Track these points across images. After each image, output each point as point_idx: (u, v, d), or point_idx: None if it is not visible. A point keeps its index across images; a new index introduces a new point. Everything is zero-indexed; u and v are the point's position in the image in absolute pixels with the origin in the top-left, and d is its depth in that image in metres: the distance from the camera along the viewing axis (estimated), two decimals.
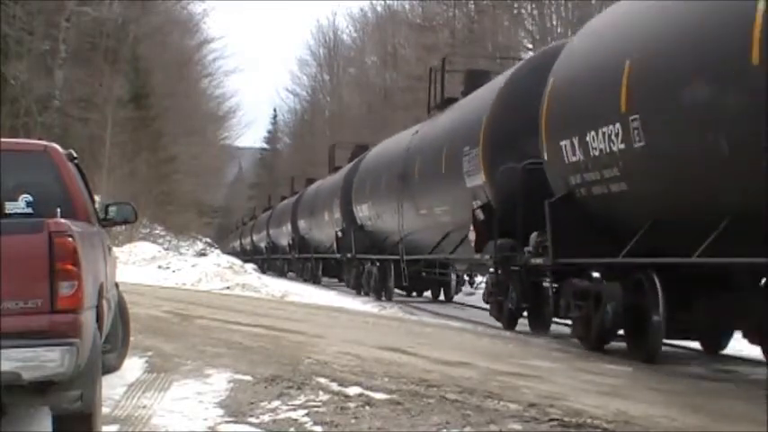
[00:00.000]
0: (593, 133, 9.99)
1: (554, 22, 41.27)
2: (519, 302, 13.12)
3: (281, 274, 39.53)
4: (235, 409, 6.53)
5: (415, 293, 22.66)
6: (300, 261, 35.56)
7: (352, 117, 60.19)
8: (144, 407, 6.59)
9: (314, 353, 9.26)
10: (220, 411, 6.46)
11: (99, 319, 5.75)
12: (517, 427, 5.98)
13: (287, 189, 47.29)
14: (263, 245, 48.58)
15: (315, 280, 31.76)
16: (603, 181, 10.07)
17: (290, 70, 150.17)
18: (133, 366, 8.32)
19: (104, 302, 6.23)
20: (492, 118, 14.22)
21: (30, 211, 6.09)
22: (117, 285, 8.13)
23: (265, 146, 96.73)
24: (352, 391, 7.06)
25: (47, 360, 4.82)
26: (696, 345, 10.96)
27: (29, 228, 5.04)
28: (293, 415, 6.31)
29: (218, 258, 28.24)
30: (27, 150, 6.62)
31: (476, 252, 14.21)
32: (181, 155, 49.87)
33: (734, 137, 7.64)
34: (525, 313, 13.29)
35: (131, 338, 8.70)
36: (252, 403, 6.70)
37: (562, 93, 11.23)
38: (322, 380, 7.56)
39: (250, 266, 31.05)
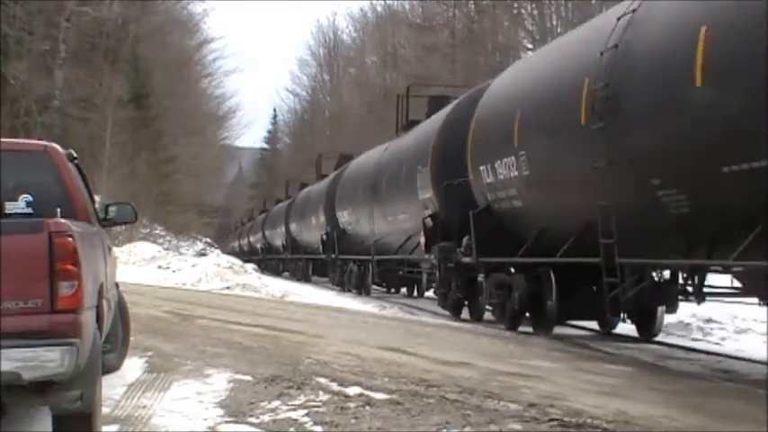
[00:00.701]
0: (498, 162, 13.19)
1: (554, 22, 41.29)
2: (459, 293, 15.80)
3: (276, 273, 40.62)
4: (235, 409, 6.53)
5: (393, 290, 25.76)
6: (293, 261, 38.40)
7: (352, 117, 60.21)
8: (144, 407, 6.59)
9: (314, 353, 9.26)
10: (220, 411, 6.46)
11: (99, 319, 5.75)
12: (517, 427, 5.98)
13: (291, 188, 47.37)
14: (259, 245, 50.18)
15: (305, 278, 34.17)
16: (507, 198, 13.24)
17: (290, 70, 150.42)
18: (133, 366, 8.32)
19: (104, 302, 6.23)
20: (438, 142, 17.22)
21: (30, 211, 6.09)
22: (117, 285, 8.13)
23: (265, 146, 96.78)
24: (352, 391, 7.06)
25: (47, 360, 4.82)
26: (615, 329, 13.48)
27: (29, 228, 5.03)
28: (293, 415, 6.31)
29: (218, 258, 28.25)
30: (27, 150, 6.62)
31: (426, 253, 17.02)
32: (181, 155, 49.87)
33: (580, 168, 10.61)
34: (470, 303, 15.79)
35: (131, 338, 8.70)
36: (252, 403, 6.70)
37: (481, 127, 14.38)
38: (322, 380, 7.56)
39: (250, 266, 31.05)
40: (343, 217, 26.96)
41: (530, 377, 8.14)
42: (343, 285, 26.74)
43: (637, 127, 9.34)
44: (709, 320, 13.64)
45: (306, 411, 6.40)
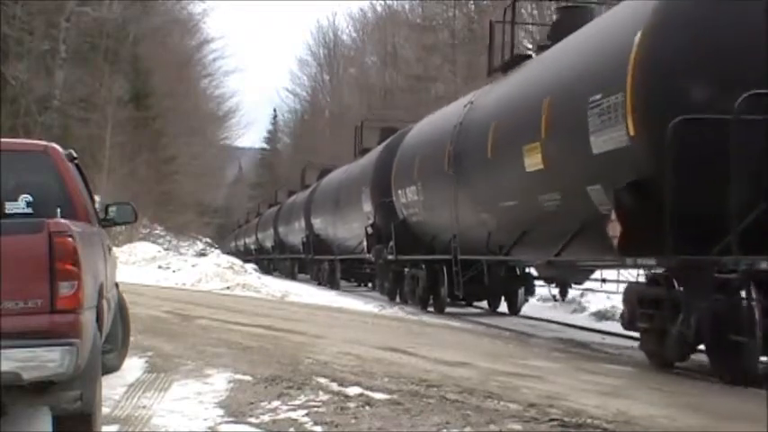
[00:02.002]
0: (408, 188, 19.16)
1: None
2: (389, 283, 21.39)
3: (267, 271, 39.19)
4: (235, 409, 6.53)
5: (362, 284, 29.23)
6: (281, 260, 41.01)
7: (352, 117, 60.16)
8: (144, 407, 6.59)
9: (314, 353, 9.26)
10: (220, 411, 6.46)
11: (99, 319, 5.75)
12: (517, 427, 5.98)
13: (290, 186, 47.12)
14: (253, 246, 49.90)
15: (292, 276, 34.40)
16: (415, 214, 19.07)
17: (290, 70, 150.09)
18: (133, 366, 8.32)
19: (104, 302, 6.23)
20: (374, 169, 22.94)
21: (30, 211, 6.08)
22: (117, 285, 8.13)
23: (265, 146, 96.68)
24: (352, 391, 7.06)
25: (47, 360, 4.81)
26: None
27: (29, 228, 5.03)
28: (293, 415, 6.31)
29: (218, 258, 28.26)
30: (27, 150, 6.61)
31: (367, 253, 22.50)
32: (181, 155, 49.87)
33: (446, 197, 16.43)
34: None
35: (131, 338, 8.70)
36: (252, 403, 6.70)
37: (400, 160, 20.17)
38: (322, 380, 7.57)
39: (250, 266, 31.09)
40: (317, 223, 31.41)
41: (530, 377, 8.14)
42: (318, 281, 30.79)
43: (470, 174, 15.04)
44: None
45: (306, 411, 6.40)
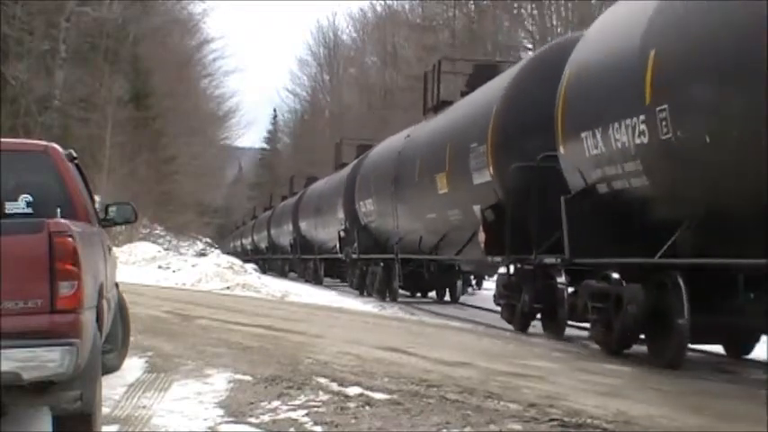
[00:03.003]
0: (366, 200, 23.34)
1: (554, 22, 41.30)
2: (359, 279, 24.02)
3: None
4: (235, 409, 6.53)
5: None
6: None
7: (352, 117, 60.19)
8: (144, 407, 6.59)
9: (314, 353, 9.26)
10: (220, 411, 6.46)
11: (99, 319, 5.74)
12: (517, 427, 5.98)
13: (287, 189, 47.35)
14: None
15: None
16: (372, 221, 22.45)
17: (290, 70, 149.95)
18: (133, 366, 8.32)
19: (104, 302, 6.22)
20: (345, 183, 26.31)
21: (30, 211, 6.08)
22: (117, 285, 8.13)
23: (265, 146, 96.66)
24: (352, 391, 7.06)
25: (47, 360, 4.81)
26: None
27: (29, 228, 5.02)
28: (293, 415, 6.31)
29: (218, 258, 28.26)
30: (27, 150, 6.61)
31: (340, 252, 25.63)
32: (181, 155, 49.88)
33: (391, 209, 21.20)
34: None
35: (131, 338, 8.69)
36: (252, 403, 6.70)
37: (362, 176, 24.05)
38: (322, 380, 7.56)
39: (250, 266, 31.08)
40: (303, 227, 32.50)
41: (530, 377, 8.14)
42: (305, 278, 29.50)
43: (406, 192, 19.92)
44: None
45: (306, 411, 6.40)
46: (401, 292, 21.25)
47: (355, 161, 27.24)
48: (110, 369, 7.57)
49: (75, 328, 4.94)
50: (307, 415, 6.29)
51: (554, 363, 9.44)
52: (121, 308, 8.29)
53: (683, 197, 8.77)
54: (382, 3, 61.95)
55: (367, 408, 6.48)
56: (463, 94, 17.65)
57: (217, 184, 75.22)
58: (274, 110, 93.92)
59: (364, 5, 75.82)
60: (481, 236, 14.03)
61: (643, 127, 8.81)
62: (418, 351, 9.63)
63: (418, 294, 22.19)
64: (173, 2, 51.10)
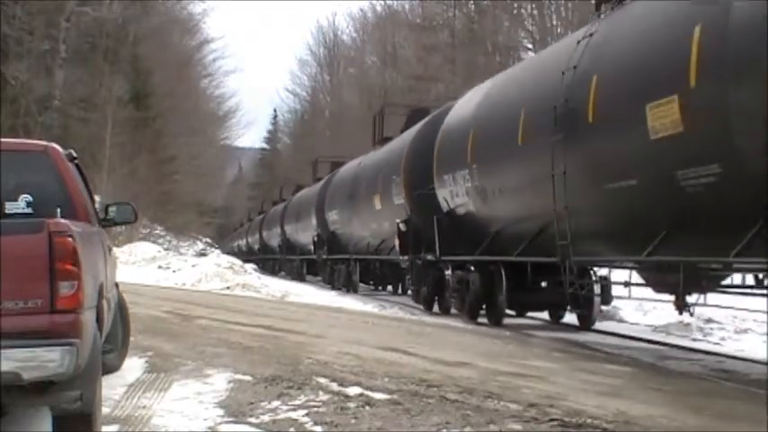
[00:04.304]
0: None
1: (554, 22, 41.30)
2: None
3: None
4: (235, 409, 6.53)
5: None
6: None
7: (352, 117, 60.16)
8: (144, 407, 6.59)
9: (314, 353, 9.26)
10: (220, 411, 6.46)
11: (99, 319, 5.74)
12: (517, 427, 5.98)
13: (285, 191, 47.51)
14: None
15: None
16: (340, 227, 26.59)
17: (290, 70, 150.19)
18: (133, 366, 8.32)
19: (104, 302, 6.22)
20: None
21: (30, 211, 6.08)
22: (117, 285, 8.12)
23: (265, 146, 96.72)
24: (352, 391, 7.06)
25: (47, 360, 4.81)
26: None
27: (29, 228, 5.02)
28: (293, 415, 6.31)
29: (218, 258, 28.27)
30: (27, 150, 6.60)
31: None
32: (181, 155, 49.89)
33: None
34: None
35: (131, 338, 8.69)
36: (252, 403, 6.70)
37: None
38: (322, 380, 7.56)
39: (250, 266, 31.09)
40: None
41: (530, 377, 8.14)
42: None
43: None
44: (709, 320, 13.64)
45: (306, 411, 6.40)
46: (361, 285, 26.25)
47: (326, 177, 31.84)
48: (110, 369, 7.57)
49: (75, 328, 4.94)
50: (307, 415, 6.29)
51: (554, 363, 9.44)
52: (121, 308, 8.29)
53: (491, 218, 14.06)
54: (382, 3, 62.10)
55: (367, 408, 6.48)
56: (402, 131, 22.36)
57: (217, 184, 75.22)
58: (274, 110, 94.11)
59: (364, 5, 75.99)
60: (396, 241, 19.01)
61: (468, 176, 14.52)
62: (418, 351, 9.63)
63: (379, 288, 26.54)
64: (173, 2, 51.13)
